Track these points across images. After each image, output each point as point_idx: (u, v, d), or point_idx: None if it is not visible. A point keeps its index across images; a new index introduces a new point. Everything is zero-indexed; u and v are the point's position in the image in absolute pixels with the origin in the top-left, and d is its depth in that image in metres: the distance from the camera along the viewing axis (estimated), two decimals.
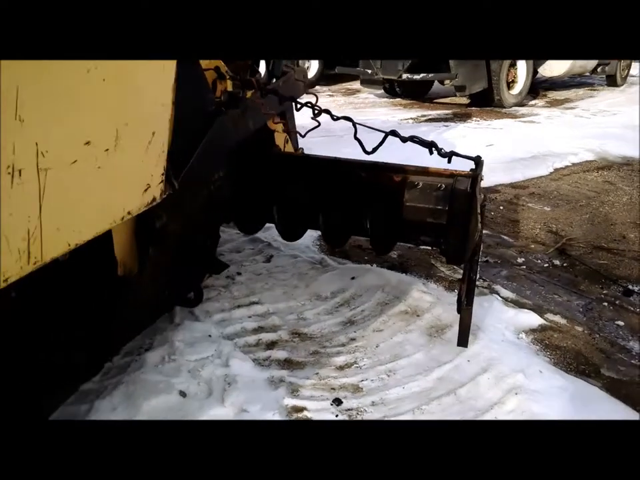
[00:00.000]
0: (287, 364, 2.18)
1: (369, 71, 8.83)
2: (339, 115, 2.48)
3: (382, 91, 10.01)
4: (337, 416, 1.90)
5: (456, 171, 2.49)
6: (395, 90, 9.68)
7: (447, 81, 8.76)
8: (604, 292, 2.81)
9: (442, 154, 2.43)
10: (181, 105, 1.52)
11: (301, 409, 1.93)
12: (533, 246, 3.38)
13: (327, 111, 2.49)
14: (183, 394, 1.94)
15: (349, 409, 1.94)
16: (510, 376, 2.01)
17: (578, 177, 4.84)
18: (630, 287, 2.85)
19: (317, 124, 2.51)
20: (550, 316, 2.56)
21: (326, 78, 11.30)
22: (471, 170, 2.45)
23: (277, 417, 1.85)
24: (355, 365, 2.18)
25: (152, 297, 2.01)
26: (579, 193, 4.40)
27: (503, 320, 2.46)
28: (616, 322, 2.53)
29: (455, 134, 6.66)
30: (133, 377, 2.01)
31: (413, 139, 2.40)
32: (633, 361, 2.24)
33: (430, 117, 8.08)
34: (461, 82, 8.10)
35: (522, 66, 8.73)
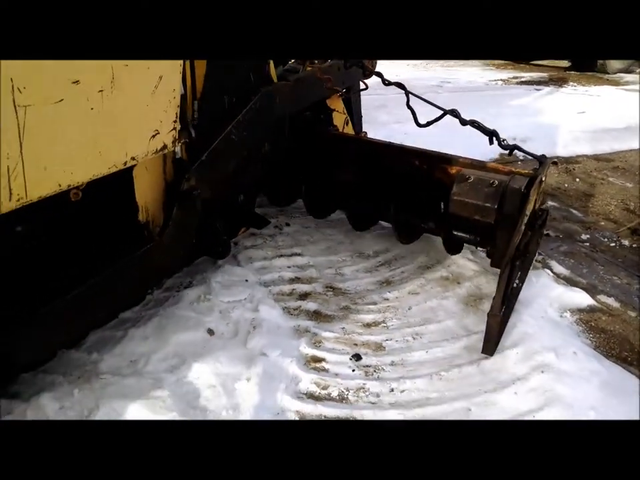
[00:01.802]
0: (315, 316, 2.21)
1: None
2: (392, 81, 2.41)
3: None
4: (354, 371, 1.92)
5: (516, 168, 2.33)
6: None
7: None
8: None
9: (503, 145, 2.27)
10: (225, 74, 1.52)
11: (320, 360, 1.96)
12: (602, 223, 3.15)
13: (379, 74, 2.42)
14: (210, 332, 2.03)
15: (366, 366, 1.95)
16: (540, 353, 1.92)
17: None
18: None
19: (365, 86, 2.46)
20: (603, 297, 2.40)
21: None
22: (538, 169, 2.23)
23: (294, 364, 1.90)
24: (382, 324, 2.18)
25: (177, 250, 2.07)
26: None
27: (549, 296, 2.34)
28: None
29: (546, 99, 6.24)
30: (168, 311, 2.12)
31: (474, 123, 2.26)
32: None
33: (522, 79, 7.59)
34: None
35: None
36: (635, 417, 1.71)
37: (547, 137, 4.53)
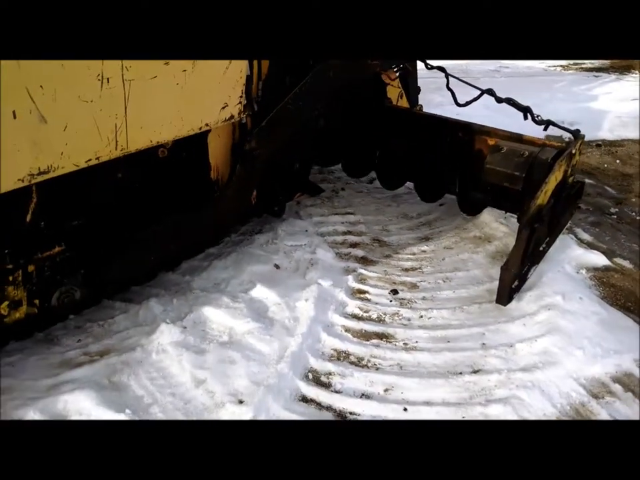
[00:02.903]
0: (362, 260, 2.65)
1: None
2: (435, 65, 2.72)
3: None
4: (391, 301, 2.35)
5: (547, 141, 2.58)
6: None
7: None
8: None
9: (537, 121, 2.56)
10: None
11: (364, 292, 2.40)
12: (634, 200, 3.41)
13: (422, 60, 2.74)
14: (277, 266, 2.51)
15: (402, 298, 2.37)
16: (550, 296, 2.28)
17: None
18: None
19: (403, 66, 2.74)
20: (618, 260, 2.70)
21: None
22: (571, 142, 2.48)
23: (343, 293, 2.34)
24: (418, 270, 2.59)
25: (238, 202, 2.48)
26: None
27: (569, 256, 2.66)
28: None
29: (602, 86, 6.33)
30: (243, 249, 2.62)
31: (509, 101, 2.56)
32: None
33: (583, 65, 7.62)
34: None
35: None
36: (624, 346, 2.05)
37: (595, 121, 4.72)
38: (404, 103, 3.24)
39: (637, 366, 1.99)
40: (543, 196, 2.21)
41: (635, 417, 1.79)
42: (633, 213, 3.22)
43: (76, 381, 1.82)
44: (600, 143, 4.38)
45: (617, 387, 1.89)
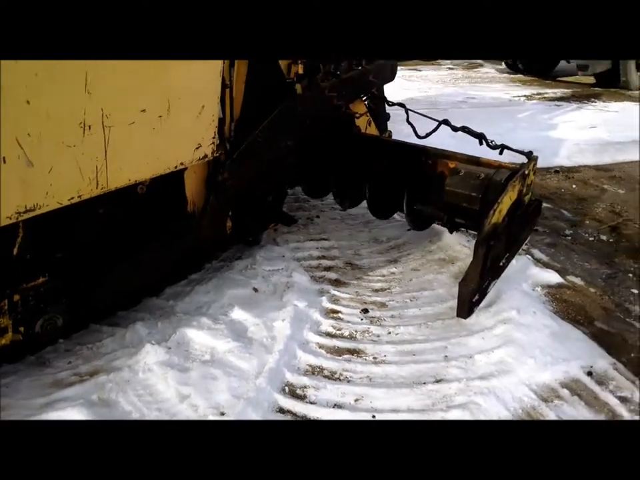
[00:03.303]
0: (336, 282, 2.84)
1: None
2: (395, 102, 2.95)
3: (504, 66, 10.00)
4: (362, 320, 2.54)
5: (504, 163, 2.74)
6: (517, 66, 9.64)
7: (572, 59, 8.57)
8: (635, 266, 3.09)
9: (491, 146, 2.79)
10: (255, 84, 2.12)
11: (337, 311, 2.59)
12: (587, 222, 3.67)
13: (384, 98, 2.96)
14: (255, 290, 2.68)
15: (372, 317, 2.56)
16: (506, 311, 2.49)
17: None
18: None
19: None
20: (571, 277, 2.94)
21: None
22: (524, 164, 2.65)
23: (317, 313, 2.52)
24: (387, 290, 2.79)
25: (213, 231, 2.64)
26: None
27: (526, 275, 2.89)
28: (632, 290, 2.85)
29: (563, 114, 6.70)
30: (223, 275, 2.79)
31: (465, 129, 2.79)
32: (628, 319, 2.59)
33: (545, 95, 8.05)
34: (584, 60, 7.94)
35: None
36: (572, 355, 2.26)
37: (554, 149, 5.04)
38: (372, 130, 3.40)
39: (584, 373, 2.20)
40: (498, 215, 2.39)
41: (580, 418, 1.99)
42: (587, 235, 3.48)
43: (68, 399, 1.96)
44: (558, 169, 4.68)
45: (564, 392, 2.09)
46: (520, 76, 9.54)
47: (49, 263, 2.05)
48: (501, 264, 2.67)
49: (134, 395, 2.02)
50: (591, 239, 3.43)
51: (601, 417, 1.98)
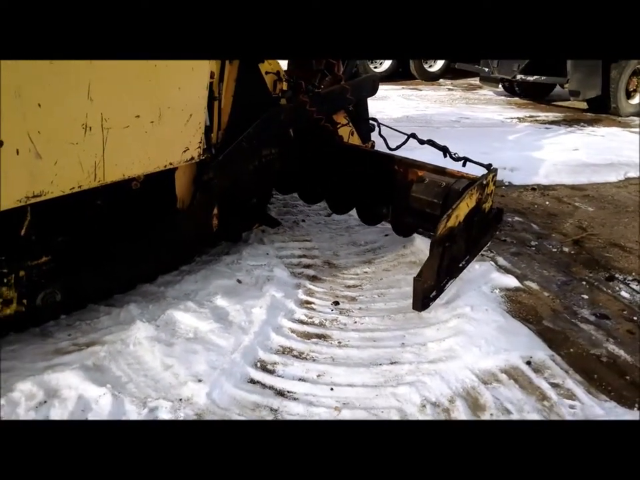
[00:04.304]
0: (312, 278, 3.14)
1: (486, 69, 9.26)
2: (370, 116, 3.25)
3: (502, 89, 10.34)
4: (332, 310, 2.83)
5: (466, 174, 3.01)
6: (514, 89, 9.98)
7: (565, 85, 8.90)
8: (589, 275, 3.37)
9: (454, 158, 3.10)
10: (243, 98, 2.44)
11: (310, 303, 2.88)
12: (554, 235, 3.96)
13: (366, 111, 3.26)
14: (239, 281, 2.98)
15: (342, 308, 2.85)
16: (461, 307, 2.78)
17: None
18: (616, 275, 3.38)
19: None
20: (528, 282, 3.22)
21: (452, 72, 11.70)
22: (484, 175, 2.93)
23: (292, 303, 2.81)
24: (358, 287, 3.08)
25: (199, 225, 2.94)
26: (633, 200, 4.76)
27: (487, 278, 3.17)
28: (582, 295, 3.13)
29: (550, 137, 7.01)
30: (211, 267, 3.09)
31: (430, 142, 3.11)
32: (573, 320, 2.87)
33: (537, 118, 8.38)
34: (575, 87, 8.27)
35: None
36: (515, 346, 2.53)
37: (533, 168, 5.35)
38: (355, 140, 3.65)
39: (523, 362, 2.47)
40: (454, 219, 2.67)
41: (516, 399, 2.26)
42: (550, 246, 3.77)
43: (66, 364, 2.25)
44: (535, 187, 4.98)
45: (503, 376, 2.37)
46: (516, 99, 9.88)
47: (51, 245, 2.36)
48: (460, 265, 2.95)
49: (124, 364, 2.31)
50: (554, 250, 3.72)
51: (532, 399, 2.25)
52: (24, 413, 2.00)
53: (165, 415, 2.04)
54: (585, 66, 8.13)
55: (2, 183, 1.90)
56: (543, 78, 8.50)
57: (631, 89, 8.62)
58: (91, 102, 2.07)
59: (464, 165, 3.11)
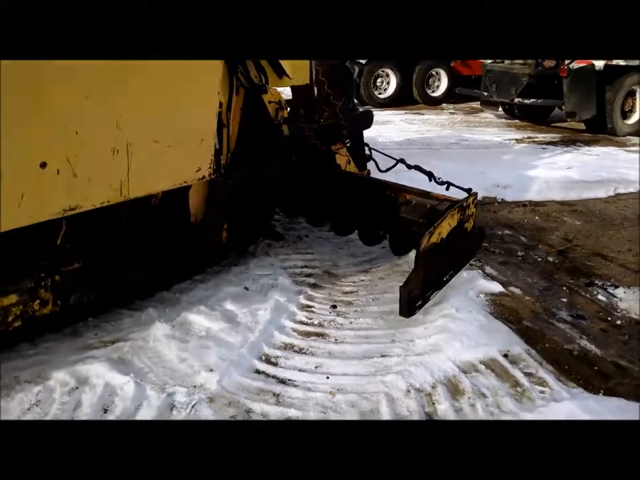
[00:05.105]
0: (313, 286, 3.44)
1: (486, 93, 9.64)
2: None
3: (502, 111, 10.70)
4: (330, 313, 3.13)
5: (450, 197, 3.31)
6: (513, 111, 10.33)
7: (562, 107, 9.22)
8: (571, 281, 3.65)
9: (438, 182, 3.43)
10: (248, 124, 2.81)
11: (310, 306, 3.19)
12: (540, 246, 4.24)
13: (362, 142, 3.60)
14: (246, 288, 3.30)
15: (339, 311, 3.15)
16: (447, 309, 3.06)
17: (632, 202, 5.40)
18: (596, 281, 3.65)
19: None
20: (512, 288, 3.50)
21: (454, 96, 12.07)
22: (465, 198, 3.23)
23: (294, 306, 3.12)
24: (355, 293, 3.38)
25: (210, 238, 3.27)
26: (620, 214, 5.03)
27: (473, 285, 3.45)
28: (562, 299, 3.40)
29: (546, 157, 7.31)
30: (222, 276, 3.42)
31: (417, 167, 3.44)
32: (551, 320, 3.14)
33: (535, 139, 8.69)
34: (571, 108, 8.61)
35: None
36: (494, 342, 2.81)
37: (526, 185, 5.65)
38: (352, 168, 4.01)
39: (500, 355, 2.74)
40: (437, 236, 2.98)
41: (492, 386, 2.53)
42: (536, 256, 4.05)
43: (95, 357, 2.58)
44: (526, 203, 5.28)
45: (481, 367, 2.65)
46: (516, 121, 10.22)
47: (83, 253, 2.70)
48: (445, 278, 3.23)
49: (145, 357, 2.63)
50: (539, 259, 3.99)
51: (506, 386, 2.53)
52: (59, 397, 2.32)
53: (181, 398, 2.34)
54: (580, 88, 8.48)
55: (45, 197, 2.25)
56: (539, 101, 8.84)
57: (627, 109, 8.92)
58: (119, 130, 2.42)
59: (447, 188, 3.42)
